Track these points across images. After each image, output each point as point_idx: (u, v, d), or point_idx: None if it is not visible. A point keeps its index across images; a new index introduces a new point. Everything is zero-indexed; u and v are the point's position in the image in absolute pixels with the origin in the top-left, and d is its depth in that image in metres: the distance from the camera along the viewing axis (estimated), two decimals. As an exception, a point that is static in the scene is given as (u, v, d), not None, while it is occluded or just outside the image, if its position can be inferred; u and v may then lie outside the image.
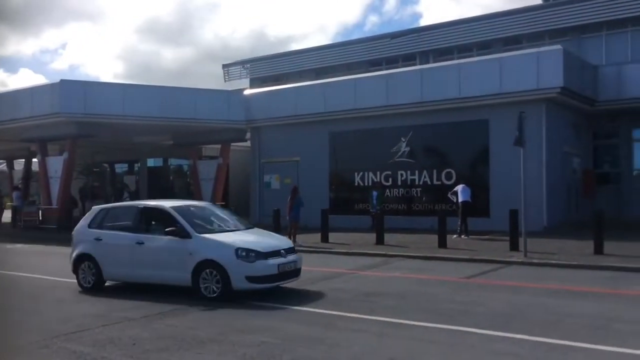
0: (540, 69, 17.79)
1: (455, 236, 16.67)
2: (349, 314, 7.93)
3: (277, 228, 17.59)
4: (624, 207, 21.14)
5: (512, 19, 24.26)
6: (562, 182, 19.35)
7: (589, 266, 11.58)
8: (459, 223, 17.01)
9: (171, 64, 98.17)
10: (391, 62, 27.19)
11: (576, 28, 22.61)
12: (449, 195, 17.90)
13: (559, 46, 18.64)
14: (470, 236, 16.89)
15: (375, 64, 27.67)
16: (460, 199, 17.04)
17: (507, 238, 14.19)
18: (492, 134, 19.01)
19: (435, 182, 20.28)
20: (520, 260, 12.46)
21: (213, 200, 26.21)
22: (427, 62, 25.56)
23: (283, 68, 31.32)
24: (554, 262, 12.10)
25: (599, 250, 12.71)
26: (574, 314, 7.72)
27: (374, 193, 19.96)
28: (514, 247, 13.62)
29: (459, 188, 17.26)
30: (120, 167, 35.71)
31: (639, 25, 21.65)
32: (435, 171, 20.31)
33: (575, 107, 19.95)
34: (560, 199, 19.26)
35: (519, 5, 30.18)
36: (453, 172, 19.93)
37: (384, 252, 14.26)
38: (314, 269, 12.22)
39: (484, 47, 24.71)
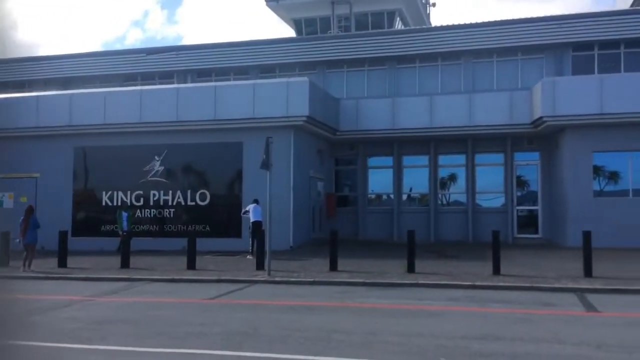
0: (289, 98, 18.97)
1: (248, 256, 16.75)
2: (76, 345, 7.26)
3: (6, 253, 15.59)
4: (360, 228, 23.52)
5: (268, 48, 25.48)
6: (307, 204, 20.77)
7: (324, 282, 12.50)
8: (251, 243, 17.05)
9: None
10: (147, 78, 26.42)
11: (322, 63, 24.72)
12: (242, 214, 17.91)
13: (305, 78, 20.15)
14: (223, 256, 17.07)
15: (130, 79, 26.55)
16: (251, 219, 17.00)
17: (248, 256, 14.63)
18: (245, 156, 19.57)
19: (189, 202, 20.10)
20: (264, 279, 12.92)
21: None
22: (185, 82, 25.45)
23: (24, 74, 28.15)
24: (294, 279, 12.80)
25: (334, 267, 13.84)
26: (304, 328, 8.18)
27: (124, 214, 18.97)
28: (260, 266, 14.09)
29: (251, 207, 17.18)
30: None
31: (374, 66, 24.51)
32: (189, 192, 20.15)
33: (320, 135, 21.69)
34: (306, 220, 20.63)
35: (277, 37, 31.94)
36: (207, 193, 20.01)
37: (127, 276, 13.55)
38: (45, 297, 11.06)
39: (241, 72, 25.51)
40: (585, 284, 11.50)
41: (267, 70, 25.39)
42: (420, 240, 19.62)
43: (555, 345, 7.05)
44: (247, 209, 17.54)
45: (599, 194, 19.58)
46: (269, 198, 13.61)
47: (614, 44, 21.96)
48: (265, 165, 13.59)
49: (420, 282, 12.11)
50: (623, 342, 7.19)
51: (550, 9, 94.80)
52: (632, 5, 25.12)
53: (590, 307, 9.61)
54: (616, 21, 21.86)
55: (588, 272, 12.33)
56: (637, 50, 21.72)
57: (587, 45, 22.19)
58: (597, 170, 19.67)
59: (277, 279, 12.89)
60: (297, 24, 30.90)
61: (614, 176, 19.75)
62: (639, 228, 18.17)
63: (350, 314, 9.47)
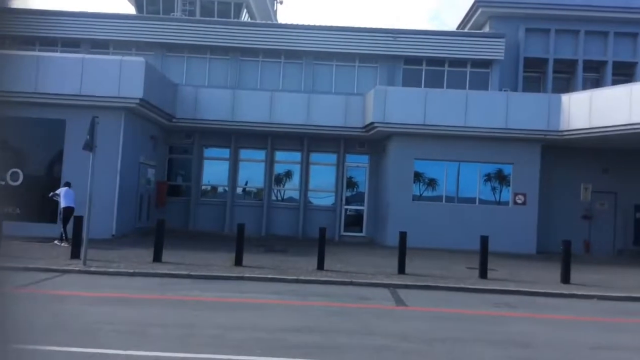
0: (122, 78, 17.84)
1: (64, 244, 15.39)
2: None
3: None
4: (191, 219, 22.95)
5: (102, 22, 23.77)
6: (135, 191, 19.74)
7: (145, 273, 11.93)
8: (62, 229, 15.76)
9: None
10: (-44, 38, 23.21)
11: (162, 45, 23.68)
12: (52, 196, 16.27)
13: (141, 58, 19.11)
14: (35, 242, 15.56)
15: None
16: (62, 204, 15.69)
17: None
18: (68, 136, 18.01)
19: (-3, 182, 18.02)
20: (78, 268, 11.99)
21: None
22: (3, 49, 22.80)
23: None
24: (112, 270, 12.05)
25: (158, 258, 13.26)
26: (118, 321, 7.71)
27: None
28: (76, 255, 13.05)
29: (62, 191, 15.85)
30: None
31: (217, 55, 24.05)
32: (-1, 170, 18.07)
33: (154, 120, 20.75)
34: (132, 207, 19.60)
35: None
36: (20, 172, 18.07)
37: None
38: None
39: (70, 44, 23.49)
40: (397, 280, 12.34)
41: (99, 46, 23.68)
42: (251, 234, 19.72)
43: (366, 336, 7.42)
44: (57, 192, 16.26)
45: (418, 198, 21.19)
46: (90, 182, 12.65)
47: (439, 61, 23.95)
48: (89, 146, 12.61)
49: (246, 275, 12.09)
50: (426, 333, 7.79)
51: (391, 21, 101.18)
52: (457, 28, 27.59)
53: (400, 302, 10.32)
54: (442, 41, 23.87)
55: (402, 269, 13.25)
56: (458, 69, 23.92)
57: (417, 60, 23.94)
58: (417, 176, 21.28)
59: (92, 269, 12.04)
60: (138, 2, 29.31)
61: (431, 183, 21.51)
62: (449, 231, 20.01)
63: (171, 306, 9.13)
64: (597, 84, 23.85)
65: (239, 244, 13.51)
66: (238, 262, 13.31)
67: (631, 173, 21.40)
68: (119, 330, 7.21)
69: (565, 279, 13.10)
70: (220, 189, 24.15)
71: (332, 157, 23.62)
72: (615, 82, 22.56)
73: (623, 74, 23.82)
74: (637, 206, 21.83)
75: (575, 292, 12.04)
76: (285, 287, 11.23)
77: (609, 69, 23.85)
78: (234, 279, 11.90)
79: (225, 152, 23.60)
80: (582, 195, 21.49)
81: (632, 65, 23.89)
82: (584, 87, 22.90)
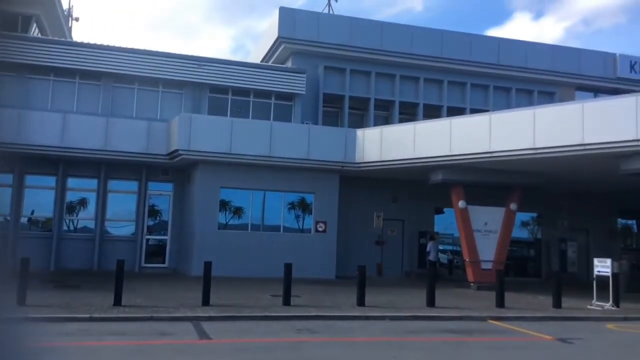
0: None
1: None
2: None
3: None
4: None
5: None
6: None
7: None
8: None
9: None
10: None
11: None
12: None
13: None
14: None
15: None
16: None
17: None
18: None
19: None
20: None
21: None
22: None
23: None
24: None
25: None
26: None
27: None
28: None
29: None
30: None
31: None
32: None
33: None
34: None
35: None
36: None
37: None
38: None
39: None
40: (201, 312, 12.00)
41: None
42: (38, 269, 17.69)
43: (166, 376, 7.02)
44: None
45: (224, 227, 21.07)
46: None
47: (245, 91, 24.30)
48: None
49: (29, 316, 10.75)
50: (229, 366, 7.62)
51: (192, 48, 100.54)
52: (262, 61, 28.35)
53: (203, 335, 10.00)
54: (247, 72, 24.24)
55: (206, 301, 12.92)
56: (263, 100, 24.49)
57: (223, 89, 24.00)
58: (223, 205, 21.18)
59: None
60: None
61: (238, 211, 21.58)
62: (256, 259, 20.19)
63: None
64: (386, 121, 26.21)
65: (22, 280, 12.01)
66: (20, 301, 11.79)
67: (415, 202, 23.77)
68: None
69: (361, 301, 13.94)
70: (1, 219, 21.44)
71: (133, 185, 22.48)
72: (401, 120, 25.03)
73: (408, 113, 26.49)
74: (420, 232, 24.25)
75: (369, 314, 12.86)
76: (76, 327, 10.23)
77: (396, 108, 26.36)
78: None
79: (8, 179, 21.05)
80: (375, 223, 23.24)
81: (415, 105, 26.69)
82: (376, 124, 24.98)
